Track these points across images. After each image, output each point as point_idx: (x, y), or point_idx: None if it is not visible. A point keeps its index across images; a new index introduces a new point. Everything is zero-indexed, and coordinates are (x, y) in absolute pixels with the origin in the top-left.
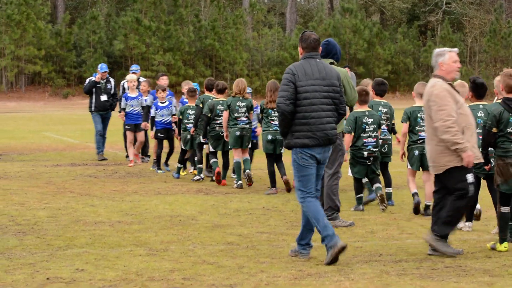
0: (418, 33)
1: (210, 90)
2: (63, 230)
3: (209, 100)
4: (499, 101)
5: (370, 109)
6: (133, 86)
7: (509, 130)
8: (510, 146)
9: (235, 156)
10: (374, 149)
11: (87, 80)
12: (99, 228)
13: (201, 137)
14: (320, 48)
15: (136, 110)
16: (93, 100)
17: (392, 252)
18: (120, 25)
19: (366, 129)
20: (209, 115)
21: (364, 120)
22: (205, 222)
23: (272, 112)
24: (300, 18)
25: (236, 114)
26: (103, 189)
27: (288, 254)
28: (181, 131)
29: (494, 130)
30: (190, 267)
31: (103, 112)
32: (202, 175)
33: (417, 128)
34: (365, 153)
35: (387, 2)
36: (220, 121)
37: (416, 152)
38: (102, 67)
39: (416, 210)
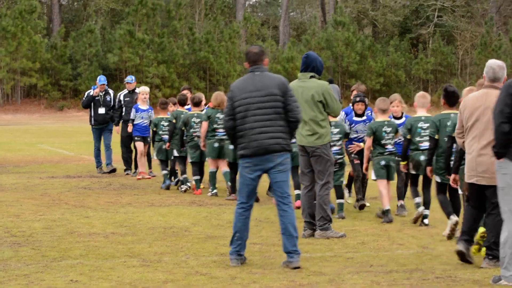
0: (410, 45)
1: (182, 105)
2: (58, 242)
3: (184, 114)
4: None
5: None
6: (144, 98)
7: None
8: None
9: (211, 166)
10: (338, 156)
11: (86, 94)
12: (93, 239)
13: (175, 151)
14: (266, 59)
15: (145, 122)
16: (92, 114)
17: (383, 263)
18: (115, 38)
19: (332, 138)
20: (183, 128)
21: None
22: (198, 233)
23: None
24: (293, 31)
25: (215, 126)
26: (97, 201)
27: (280, 265)
28: (155, 141)
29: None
30: (183, 278)
31: (101, 126)
32: (188, 184)
33: (383, 141)
34: None
35: (379, 15)
36: (198, 132)
37: (383, 162)
38: (101, 80)
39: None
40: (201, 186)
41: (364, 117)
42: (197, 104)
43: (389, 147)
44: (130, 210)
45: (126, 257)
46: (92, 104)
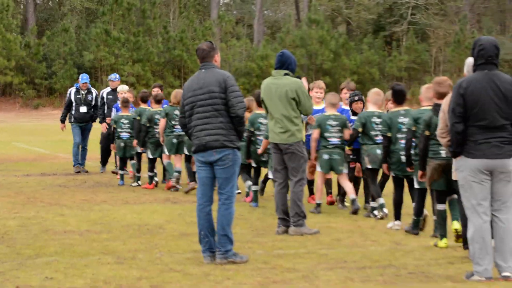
0: (384, 43)
1: (144, 102)
2: (33, 239)
3: (147, 111)
4: (427, 107)
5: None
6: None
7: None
8: (439, 148)
9: (165, 158)
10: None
11: (68, 91)
12: (68, 237)
13: (138, 147)
14: (217, 56)
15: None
16: (73, 112)
17: (356, 259)
18: (90, 37)
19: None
20: (147, 125)
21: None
22: (173, 230)
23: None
24: (267, 29)
25: (173, 122)
26: (72, 199)
27: (253, 262)
28: (116, 139)
29: (427, 133)
30: (158, 275)
31: (82, 124)
32: (139, 182)
33: (326, 134)
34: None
35: (353, 13)
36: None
37: (326, 156)
38: (83, 78)
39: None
40: (180, 183)
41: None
42: (159, 101)
43: (334, 140)
44: (105, 208)
45: (100, 254)
46: (74, 101)
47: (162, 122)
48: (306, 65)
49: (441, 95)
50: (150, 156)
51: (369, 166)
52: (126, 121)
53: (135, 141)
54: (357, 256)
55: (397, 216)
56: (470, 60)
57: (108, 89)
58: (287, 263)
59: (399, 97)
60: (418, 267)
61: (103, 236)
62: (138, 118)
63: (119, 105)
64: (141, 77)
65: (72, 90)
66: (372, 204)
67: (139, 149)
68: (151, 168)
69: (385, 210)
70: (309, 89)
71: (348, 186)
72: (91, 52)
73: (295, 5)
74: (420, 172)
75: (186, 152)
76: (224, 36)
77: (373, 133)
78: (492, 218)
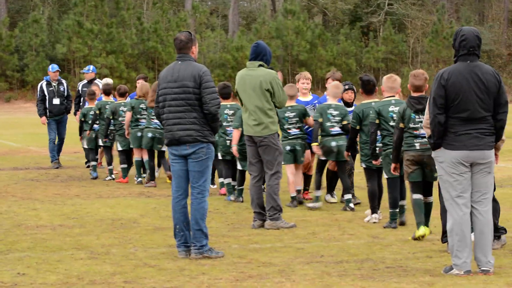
0: (361, 34)
1: (107, 94)
2: (5, 234)
3: (112, 103)
4: (388, 99)
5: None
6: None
7: (411, 125)
8: (413, 141)
9: (136, 155)
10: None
11: (39, 85)
12: (40, 232)
13: (100, 140)
14: (194, 48)
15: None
16: (47, 105)
17: (333, 253)
18: (63, 28)
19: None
20: (110, 117)
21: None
22: (147, 225)
23: (153, 111)
24: (242, 20)
25: (138, 116)
26: (45, 193)
27: (229, 257)
28: (83, 131)
29: (401, 125)
30: (132, 270)
31: (57, 117)
32: (113, 175)
33: (286, 126)
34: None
35: (329, 4)
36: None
37: (288, 147)
38: (53, 67)
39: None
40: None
41: (353, 107)
42: (122, 94)
43: (294, 131)
44: (78, 202)
45: (73, 249)
46: (47, 94)
47: (128, 115)
48: (282, 56)
49: (417, 88)
50: (120, 148)
51: (323, 158)
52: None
53: (87, 132)
54: (334, 250)
55: (374, 209)
56: None
57: (84, 81)
58: (263, 258)
59: (367, 87)
60: (396, 261)
61: (76, 230)
62: (97, 112)
63: (86, 97)
64: (114, 69)
65: (43, 83)
66: (316, 193)
67: (101, 142)
68: (123, 160)
69: (320, 203)
70: (283, 82)
71: (293, 183)
72: (63, 44)
73: None
74: (393, 165)
75: (142, 146)
76: (199, 27)
77: (328, 124)
78: (471, 211)
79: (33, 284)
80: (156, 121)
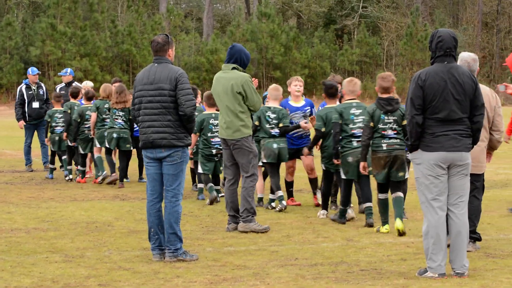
0: (335, 37)
1: (75, 97)
2: None
3: (78, 107)
4: (349, 101)
5: (217, 112)
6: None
7: (380, 126)
8: (380, 141)
9: (96, 152)
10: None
11: (18, 89)
12: (15, 235)
13: (68, 141)
14: (171, 50)
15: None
16: (26, 109)
17: (308, 256)
18: (36, 31)
19: (213, 129)
20: (78, 120)
21: (210, 122)
22: (121, 228)
23: (117, 111)
24: (217, 23)
25: (103, 116)
26: (19, 196)
27: (204, 259)
28: (50, 133)
29: (371, 124)
30: (106, 273)
31: (36, 121)
32: (71, 176)
33: (267, 126)
34: (214, 151)
35: (303, 6)
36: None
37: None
38: (33, 70)
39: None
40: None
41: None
42: (90, 98)
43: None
44: (53, 205)
45: (48, 252)
46: (26, 98)
47: (93, 116)
48: (256, 59)
49: (385, 90)
50: (82, 152)
51: (265, 160)
52: (60, 115)
53: (65, 134)
54: (309, 253)
55: (325, 206)
56: (463, 55)
57: (62, 84)
58: (238, 260)
59: (329, 91)
60: (370, 263)
61: (51, 234)
62: (69, 111)
63: (52, 100)
64: (89, 72)
65: (23, 86)
66: (271, 196)
67: (69, 143)
68: (83, 163)
69: (284, 202)
70: (259, 85)
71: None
72: (36, 47)
73: None
74: (362, 163)
75: (107, 145)
76: (173, 30)
77: (268, 126)
78: (448, 214)
79: (7, 287)
80: (119, 121)
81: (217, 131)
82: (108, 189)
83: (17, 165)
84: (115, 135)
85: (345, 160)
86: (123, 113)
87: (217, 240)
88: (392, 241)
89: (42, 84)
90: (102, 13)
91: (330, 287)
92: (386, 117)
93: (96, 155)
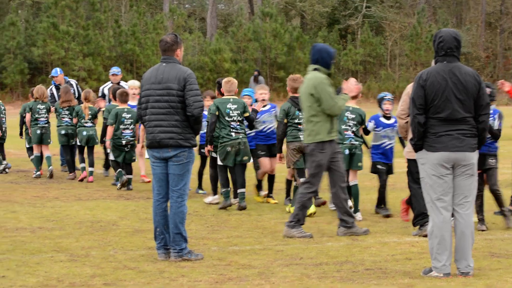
0: (339, 37)
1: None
2: None
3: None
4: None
5: (129, 107)
6: (134, 94)
7: (296, 121)
8: (297, 133)
9: (35, 151)
10: (131, 138)
11: (48, 91)
12: (20, 234)
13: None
14: (179, 50)
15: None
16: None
17: (313, 255)
18: (38, 31)
19: (125, 122)
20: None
21: (123, 115)
22: (126, 227)
23: (63, 111)
24: (220, 22)
25: (36, 116)
26: (24, 195)
27: (209, 259)
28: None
29: (285, 121)
30: (111, 273)
31: None
32: (39, 173)
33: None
34: (124, 141)
35: (307, 6)
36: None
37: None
38: (57, 71)
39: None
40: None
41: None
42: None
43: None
44: (57, 204)
45: (53, 252)
46: (57, 99)
47: (27, 116)
48: (260, 59)
49: (296, 90)
50: (27, 146)
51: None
52: (43, 107)
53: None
54: (313, 252)
55: (215, 191)
56: None
57: (109, 83)
58: (243, 260)
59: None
60: (375, 263)
61: (56, 233)
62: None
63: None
64: (92, 72)
65: (52, 88)
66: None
67: (27, 145)
68: (31, 155)
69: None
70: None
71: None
72: (38, 46)
73: None
74: (278, 155)
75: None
76: (176, 29)
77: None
78: (453, 214)
79: (12, 287)
80: (67, 119)
81: (128, 124)
82: (112, 189)
83: (21, 165)
84: (63, 132)
85: (223, 149)
86: (68, 112)
87: (222, 239)
88: (397, 241)
89: (72, 81)
90: (105, 13)
91: (335, 286)
92: (300, 113)
93: (34, 153)
